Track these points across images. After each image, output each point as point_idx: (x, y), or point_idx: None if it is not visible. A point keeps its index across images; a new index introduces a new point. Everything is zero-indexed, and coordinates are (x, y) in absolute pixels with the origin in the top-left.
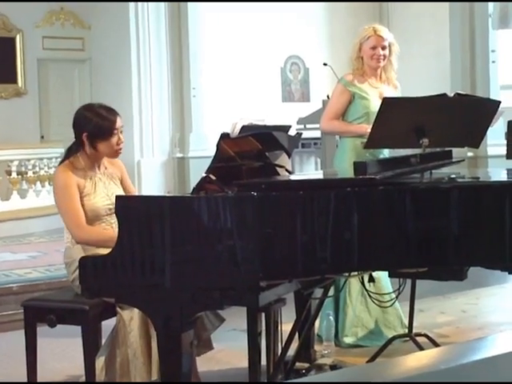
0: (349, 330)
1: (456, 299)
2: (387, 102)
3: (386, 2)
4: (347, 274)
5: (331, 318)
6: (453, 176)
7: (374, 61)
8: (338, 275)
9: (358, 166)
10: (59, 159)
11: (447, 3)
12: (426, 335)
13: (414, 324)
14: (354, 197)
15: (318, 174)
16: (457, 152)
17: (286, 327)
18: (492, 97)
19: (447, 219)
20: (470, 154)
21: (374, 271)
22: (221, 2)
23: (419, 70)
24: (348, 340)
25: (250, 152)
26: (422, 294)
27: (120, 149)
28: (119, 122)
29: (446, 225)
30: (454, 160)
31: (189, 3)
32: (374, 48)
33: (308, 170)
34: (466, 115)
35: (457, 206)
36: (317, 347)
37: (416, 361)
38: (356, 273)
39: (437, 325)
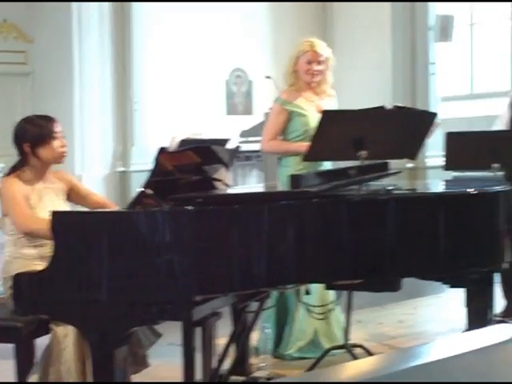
0: (293, 343)
1: (393, 310)
2: (326, 115)
3: (332, 1)
4: (283, 287)
5: (267, 330)
6: (389, 188)
7: (309, 76)
8: (273, 289)
9: (293, 179)
10: (0, 174)
11: (390, 16)
12: (361, 346)
13: (352, 335)
14: (287, 210)
15: (258, 188)
16: (396, 163)
17: (224, 341)
18: (431, 108)
19: (383, 231)
20: (409, 165)
21: (309, 284)
22: (166, 14)
23: (363, 81)
24: (291, 352)
25: (189, 166)
26: (360, 305)
27: (64, 152)
28: (57, 127)
29: (382, 236)
30: (390, 171)
31: (133, 16)
32: (309, 63)
33: (251, 182)
34: (403, 127)
35: (392, 217)
36: (254, 360)
37: (352, 369)
38: (292, 286)
39: (374, 335)
